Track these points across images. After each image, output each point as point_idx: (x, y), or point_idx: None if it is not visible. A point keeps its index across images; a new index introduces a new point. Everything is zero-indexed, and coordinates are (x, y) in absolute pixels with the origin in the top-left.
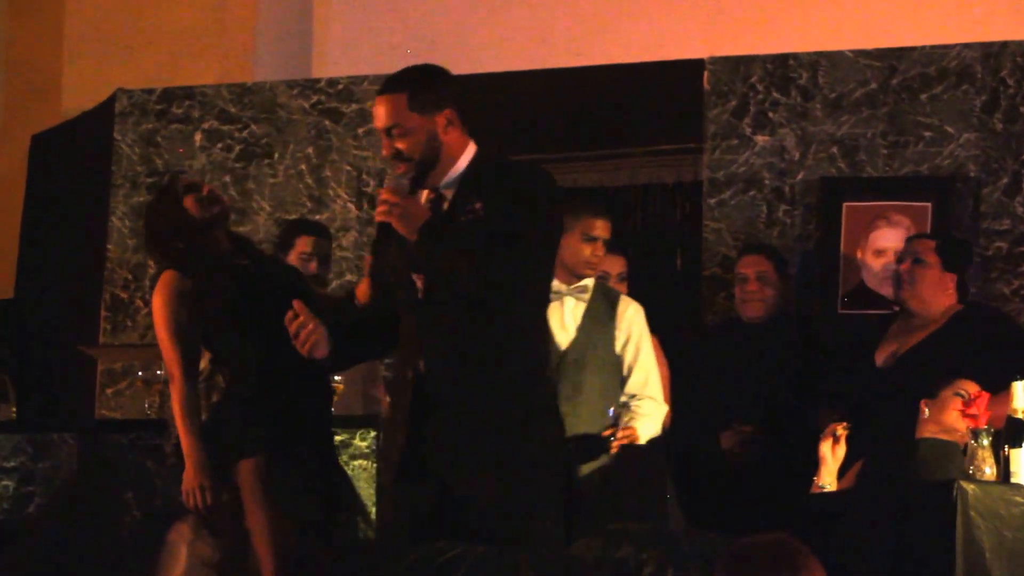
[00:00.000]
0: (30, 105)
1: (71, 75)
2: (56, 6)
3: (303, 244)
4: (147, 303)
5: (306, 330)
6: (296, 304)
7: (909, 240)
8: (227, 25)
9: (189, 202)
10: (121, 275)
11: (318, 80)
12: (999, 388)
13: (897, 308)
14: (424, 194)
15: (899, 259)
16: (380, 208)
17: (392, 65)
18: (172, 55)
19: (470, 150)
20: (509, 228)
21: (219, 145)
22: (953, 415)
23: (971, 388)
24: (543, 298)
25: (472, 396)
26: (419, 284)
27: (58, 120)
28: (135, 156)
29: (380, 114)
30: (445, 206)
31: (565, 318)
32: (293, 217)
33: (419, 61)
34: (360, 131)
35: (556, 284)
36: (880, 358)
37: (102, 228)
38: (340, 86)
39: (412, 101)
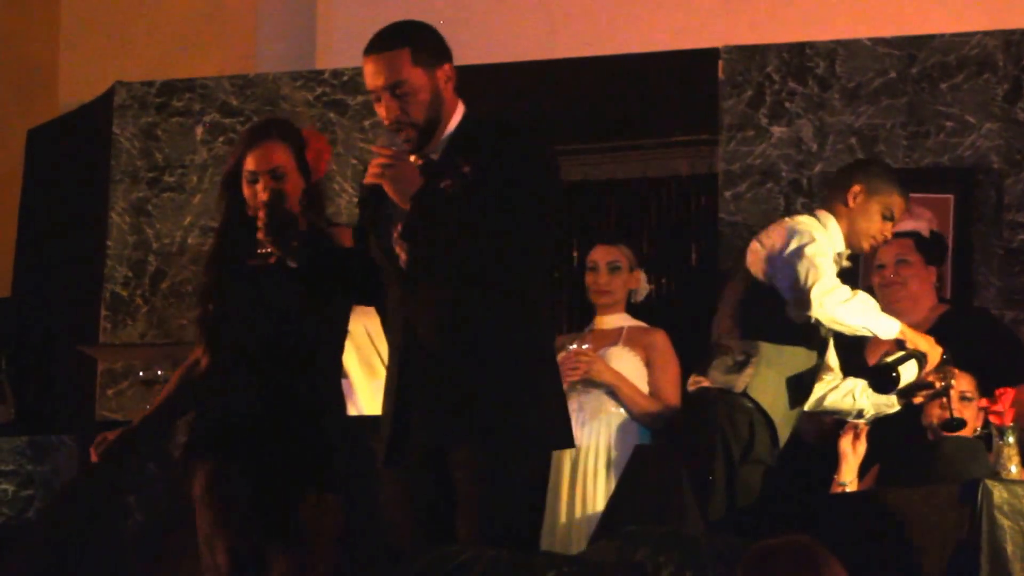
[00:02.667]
0: (26, 99)
1: (68, 67)
2: None
3: None
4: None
5: None
6: None
7: (883, 247)
8: (228, 15)
9: None
10: (121, 272)
11: (322, 71)
12: (989, 389)
13: None
14: (412, 158)
15: (879, 265)
16: (373, 170)
17: None
18: (172, 46)
19: (460, 110)
20: (507, 197)
21: (221, 139)
22: (965, 410)
23: (963, 381)
24: (546, 270)
25: (464, 378)
26: (402, 255)
27: (55, 114)
28: (134, 150)
29: (378, 73)
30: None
31: None
32: None
33: None
34: (366, 123)
35: None
36: (873, 359)
37: (101, 224)
38: (345, 77)
39: (416, 55)
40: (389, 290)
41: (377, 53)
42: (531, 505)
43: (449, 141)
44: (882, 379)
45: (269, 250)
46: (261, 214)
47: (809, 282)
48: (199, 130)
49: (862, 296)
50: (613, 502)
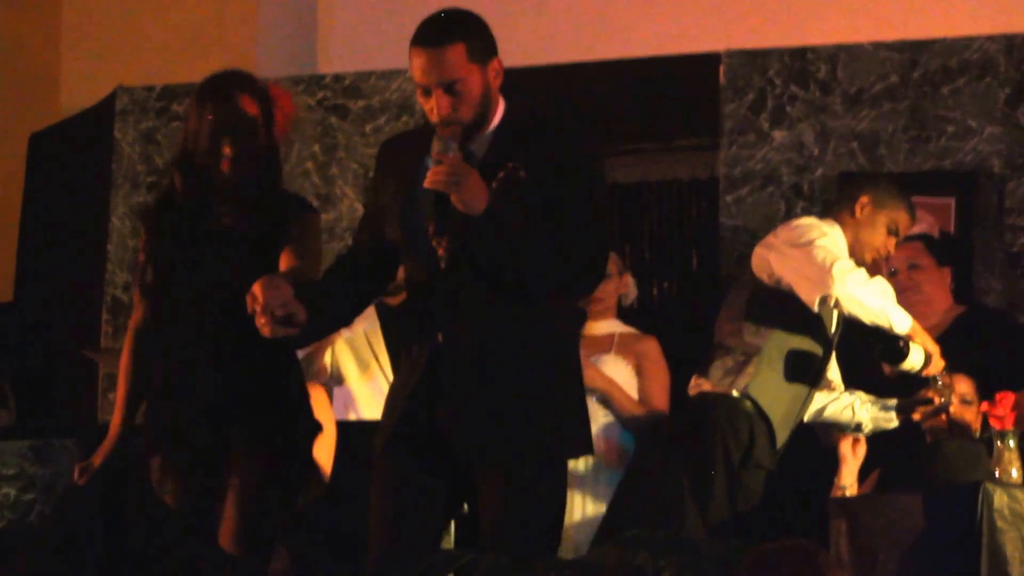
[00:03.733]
0: (28, 103)
1: (70, 72)
2: (54, 1)
3: None
4: None
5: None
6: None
7: (894, 253)
8: (229, 20)
9: None
10: (122, 277)
11: (323, 76)
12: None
13: None
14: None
15: (892, 272)
16: (436, 178)
17: (400, 61)
18: (173, 51)
19: (502, 104)
20: (564, 200)
21: None
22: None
23: (963, 384)
24: (601, 275)
25: (502, 388)
26: (440, 251)
27: (57, 118)
28: (136, 155)
29: (431, 68)
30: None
31: None
32: None
33: None
34: (368, 128)
35: None
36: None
37: (102, 229)
38: (346, 82)
39: (471, 51)
40: (409, 290)
41: (432, 47)
42: (558, 516)
43: (493, 137)
44: (893, 349)
45: (227, 216)
46: (227, 173)
47: (828, 261)
48: None
49: (882, 281)
50: (614, 506)
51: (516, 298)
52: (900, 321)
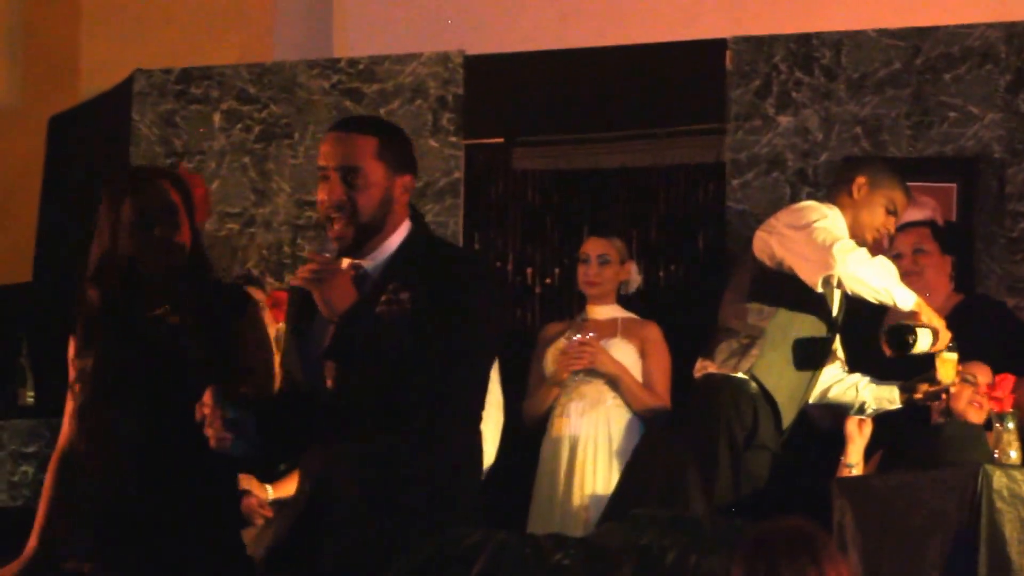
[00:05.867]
0: (48, 86)
1: (89, 56)
2: None
3: None
4: None
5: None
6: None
7: (899, 233)
8: (246, 5)
9: None
10: None
11: (338, 60)
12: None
13: None
14: (345, 262)
15: (897, 255)
16: (303, 275)
17: (414, 45)
18: (191, 35)
19: (405, 227)
20: (445, 336)
21: (239, 126)
22: (963, 402)
23: (980, 373)
24: (475, 415)
25: (381, 521)
26: (329, 377)
27: (76, 101)
28: (153, 137)
29: (336, 151)
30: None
31: None
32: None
33: (439, 41)
34: (382, 111)
35: None
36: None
37: None
38: (361, 66)
39: (381, 149)
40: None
41: (343, 132)
42: None
43: (390, 258)
44: (900, 336)
45: (165, 310)
46: (158, 263)
47: (828, 241)
48: (217, 117)
49: (884, 259)
50: (620, 486)
51: (395, 426)
52: (904, 298)
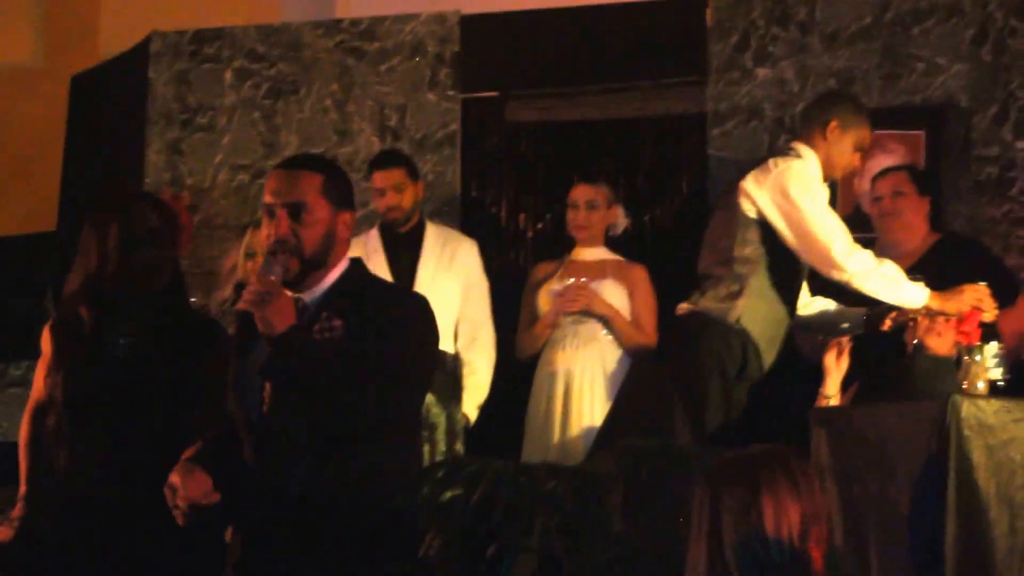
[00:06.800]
0: (69, 48)
1: (108, 19)
2: None
3: (376, 181)
4: None
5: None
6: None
7: (879, 177)
8: None
9: None
10: None
11: (341, 20)
12: None
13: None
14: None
15: (876, 197)
16: (246, 297)
17: (413, 7)
18: None
19: (344, 263)
20: (375, 364)
21: (248, 83)
22: (922, 330)
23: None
24: (406, 441)
25: (312, 540)
26: (266, 396)
27: (96, 62)
28: (169, 94)
29: (281, 188)
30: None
31: None
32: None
33: (437, 2)
34: (382, 68)
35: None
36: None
37: (139, 162)
38: (362, 26)
39: (326, 186)
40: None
41: (288, 169)
42: None
43: (328, 291)
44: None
45: (134, 336)
46: (139, 286)
47: (827, 244)
48: (228, 75)
49: (888, 266)
50: (610, 417)
51: (325, 452)
52: (913, 298)
